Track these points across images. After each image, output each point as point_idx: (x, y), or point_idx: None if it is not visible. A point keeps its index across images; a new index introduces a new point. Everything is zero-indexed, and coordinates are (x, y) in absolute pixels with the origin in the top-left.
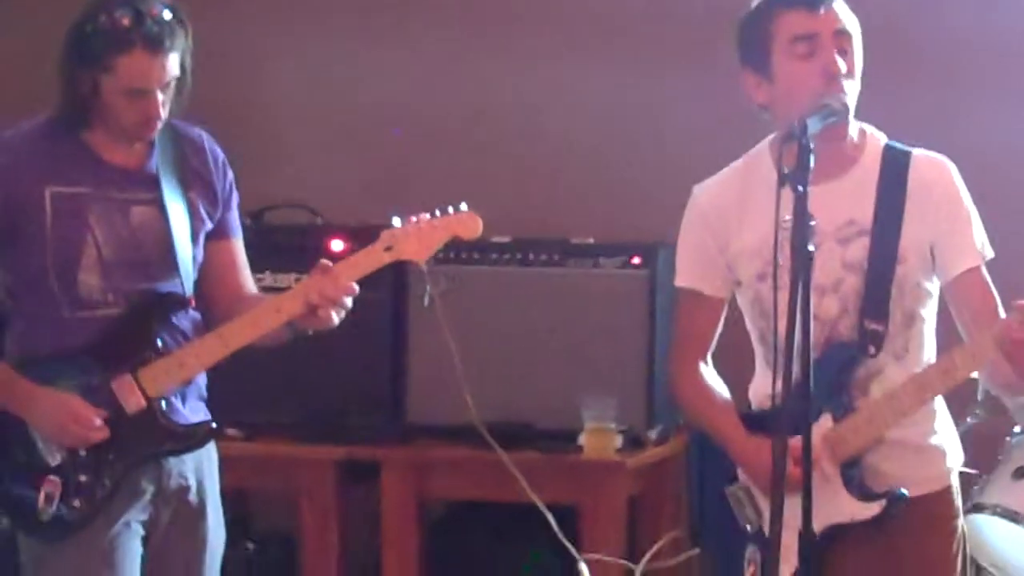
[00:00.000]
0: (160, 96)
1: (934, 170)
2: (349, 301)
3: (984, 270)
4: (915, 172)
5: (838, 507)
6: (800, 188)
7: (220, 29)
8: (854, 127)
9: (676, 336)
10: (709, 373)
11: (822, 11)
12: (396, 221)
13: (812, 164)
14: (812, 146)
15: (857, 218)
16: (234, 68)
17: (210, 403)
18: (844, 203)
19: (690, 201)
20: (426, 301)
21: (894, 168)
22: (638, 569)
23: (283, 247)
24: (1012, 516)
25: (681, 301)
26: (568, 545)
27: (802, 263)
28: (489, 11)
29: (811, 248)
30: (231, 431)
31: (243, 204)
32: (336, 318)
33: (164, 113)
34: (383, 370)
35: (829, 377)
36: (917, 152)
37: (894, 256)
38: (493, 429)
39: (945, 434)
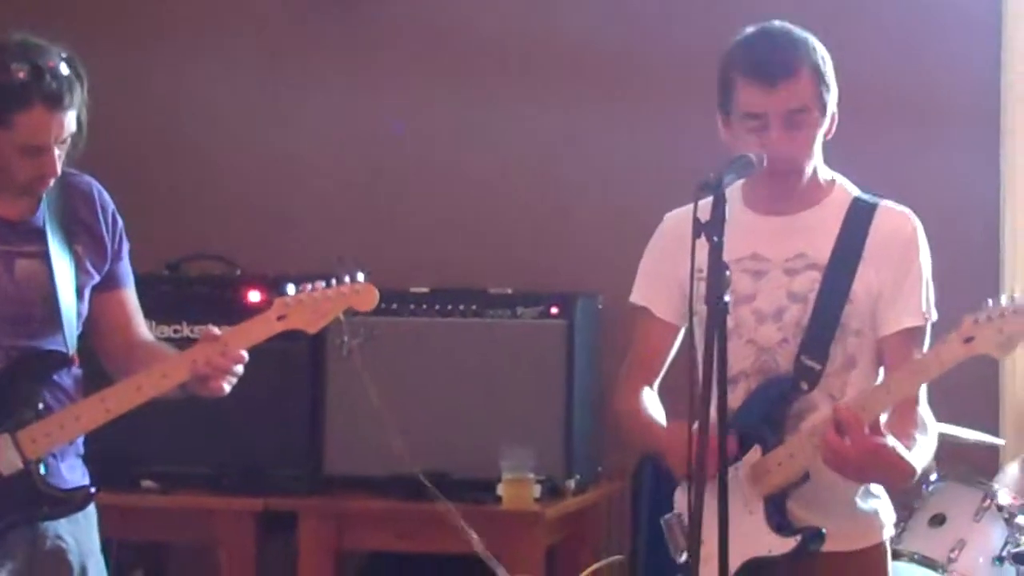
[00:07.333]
0: (56, 152)
1: (897, 222)
2: (240, 368)
3: (922, 333)
4: (878, 220)
5: (757, 540)
6: (715, 239)
7: (139, 77)
8: (824, 174)
9: (627, 359)
10: (649, 395)
11: (776, 88)
12: (290, 289)
13: (727, 214)
14: (727, 196)
15: (808, 253)
16: (153, 117)
17: (126, 455)
18: (797, 237)
19: (659, 226)
20: (344, 352)
21: (859, 215)
22: None
23: (200, 298)
24: (930, 563)
25: (634, 322)
26: None
27: (717, 314)
28: (406, 57)
29: (726, 299)
30: (147, 483)
31: (160, 254)
32: (227, 387)
33: (59, 169)
34: (301, 421)
35: (763, 409)
36: (885, 203)
37: (845, 296)
38: (411, 479)
39: (877, 492)
